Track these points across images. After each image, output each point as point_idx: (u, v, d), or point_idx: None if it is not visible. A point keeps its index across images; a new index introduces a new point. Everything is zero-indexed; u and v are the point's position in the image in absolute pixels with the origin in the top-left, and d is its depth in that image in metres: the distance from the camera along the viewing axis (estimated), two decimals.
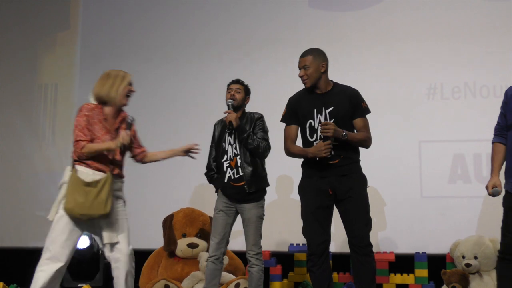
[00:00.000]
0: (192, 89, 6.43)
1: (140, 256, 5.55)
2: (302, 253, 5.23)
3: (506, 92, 3.71)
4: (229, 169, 4.36)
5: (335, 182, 3.93)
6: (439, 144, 5.70)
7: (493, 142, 3.77)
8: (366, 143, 4.05)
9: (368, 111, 4.11)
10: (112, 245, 3.95)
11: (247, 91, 4.48)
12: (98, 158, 3.95)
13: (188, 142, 4.39)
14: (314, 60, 4.00)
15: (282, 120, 4.20)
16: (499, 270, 3.63)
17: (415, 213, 5.71)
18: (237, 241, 5.81)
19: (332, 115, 3.97)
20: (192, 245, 5.50)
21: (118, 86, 4.06)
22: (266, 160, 4.51)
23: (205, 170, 4.57)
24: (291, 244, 5.59)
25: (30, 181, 6.65)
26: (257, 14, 6.43)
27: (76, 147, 3.91)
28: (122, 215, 4.03)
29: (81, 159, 3.93)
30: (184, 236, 5.55)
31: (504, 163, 3.68)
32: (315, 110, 4.01)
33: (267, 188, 4.52)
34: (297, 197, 4.24)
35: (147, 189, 6.28)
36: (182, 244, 5.51)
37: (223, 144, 4.44)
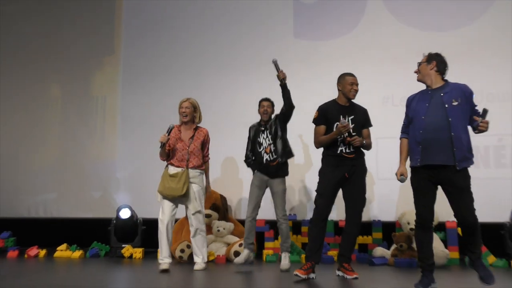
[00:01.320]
0: (210, 99, 6.25)
1: None
2: (290, 221, 5.14)
3: (407, 99, 3.68)
4: (265, 154, 4.55)
5: (350, 170, 3.99)
6: (391, 140, 5.52)
7: (400, 138, 3.72)
8: (369, 148, 4.19)
9: (371, 125, 4.22)
10: (191, 214, 4.51)
11: (273, 105, 4.73)
12: (175, 158, 4.55)
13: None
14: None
15: (314, 122, 4.18)
16: (417, 236, 3.52)
17: (373, 191, 5.67)
18: (241, 212, 5.96)
19: (353, 121, 4.06)
20: (206, 215, 5.39)
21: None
22: None
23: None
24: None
25: (86, 167, 6.62)
26: (253, 41, 6.34)
27: None
28: (197, 194, 4.53)
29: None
30: None
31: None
32: (341, 116, 4.03)
33: None
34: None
35: None
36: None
37: (259, 139, 4.64)
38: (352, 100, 4.13)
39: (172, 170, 4.51)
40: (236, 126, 5.93)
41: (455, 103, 3.35)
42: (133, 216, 5.70)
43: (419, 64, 3.60)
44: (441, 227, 5.10)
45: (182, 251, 5.07)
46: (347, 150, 3.98)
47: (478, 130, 3.32)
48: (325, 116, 4.06)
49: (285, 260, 4.47)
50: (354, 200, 4.00)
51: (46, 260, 5.42)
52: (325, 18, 6.10)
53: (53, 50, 6.90)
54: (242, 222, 5.54)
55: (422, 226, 3.46)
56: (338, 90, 4.10)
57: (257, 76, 6.09)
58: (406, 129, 3.66)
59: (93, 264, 5.08)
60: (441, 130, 3.33)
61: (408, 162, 3.57)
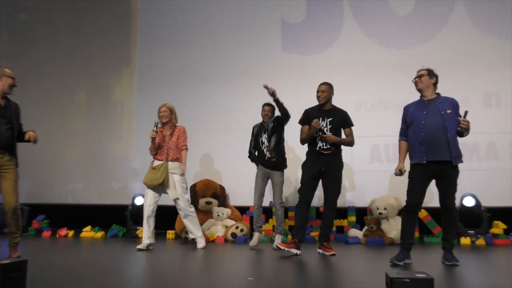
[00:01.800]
0: (213, 108, 6.36)
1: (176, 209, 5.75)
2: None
3: (404, 108, 3.77)
4: (267, 152, 4.60)
5: (326, 164, 4.10)
6: (364, 138, 5.64)
7: (399, 140, 3.80)
8: (351, 144, 4.26)
9: (353, 125, 4.26)
10: (175, 200, 4.52)
11: (274, 109, 4.69)
12: (158, 153, 4.57)
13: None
14: (328, 89, 4.20)
15: (299, 122, 4.28)
16: (403, 218, 3.65)
17: (349, 181, 5.74)
18: (237, 199, 5.96)
19: (331, 123, 4.14)
20: (208, 202, 5.56)
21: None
22: None
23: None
24: (271, 202, 5.50)
25: (107, 162, 6.65)
26: (245, 54, 6.32)
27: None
28: (177, 183, 4.54)
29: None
30: (203, 197, 5.60)
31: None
32: (320, 118, 4.13)
33: None
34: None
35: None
36: (202, 202, 5.56)
37: (261, 138, 4.68)
38: (334, 105, 4.23)
39: (155, 163, 4.60)
40: (234, 127, 6.05)
41: (448, 111, 3.50)
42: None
43: (421, 75, 3.62)
44: None
45: (187, 232, 5.09)
46: (324, 147, 4.10)
47: (460, 127, 3.43)
48: (308, 117, 4.17)
49: (278, 240, 4.51)
50: (331, 190, 4.11)
51: (74, 239, 5.50)
52: (308, 35, 6.12)
53: (79, 63, 6.87)
54: (238, 208, 5.71)
55: (410, 211, 3.58)
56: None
57: (247, 85, 6.11)
58: (404, 133, 3.74)
59: (112, 243, 5.16)
60: (439, 132, 3.45)
61: (407, 160, 3.67)
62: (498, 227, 5.08)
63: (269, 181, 4.67)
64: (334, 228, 5.42)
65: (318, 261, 3.82)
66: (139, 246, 4.47)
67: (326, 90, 4.18)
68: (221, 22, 6.48)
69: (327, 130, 4.12)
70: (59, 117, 6.85)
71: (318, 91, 4.20)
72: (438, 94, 3.66)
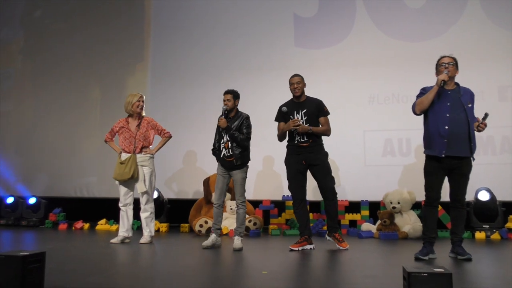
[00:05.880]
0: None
1: (191, 203, 5.76)
2: (290, 201, 5.19)
3: (423, 88, 3.61)
4: (224, 149, 4.23)
5: (307, 157, 4.02)
6: (377, 132, 5.69)
7: (418, 97, 3.59)
8: (326, 133, 4.13)
9: (328, 113, 4.15)
10: (142, 194, 4.44)
11: (235, 96, 4.28)
12: (124, 145, 4.47)
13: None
14: (302, 80, 4.12)
15: (275, 120, 4.23)
16: (424, 213, 3.61)
17: (361, 175, 5.68)
18: (249, 192, 5.87)
19: (305, 114, 4.06)
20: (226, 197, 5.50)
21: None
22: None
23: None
24: (283, 195, 5.61)
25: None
26: (259, 50, 6.28)
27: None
28: (146, 176, 4.45)
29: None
30: None
31: (423, 135, 3.61)
32: (295, 111, 4.08)
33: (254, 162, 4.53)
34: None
35: (194, 163, 6.35)
36: (214, 196, 5.58)
37: (222, 132, 4.28)
38: (307, 95, 4.14)
39: (123, 156, 4.48)
40: (253, 122, 6.06)
41: (469, 105, 3.43)
42: (159, 197, 5.77)
43: (450, 64, 3.46)
44: (418, 205, 5.17)
45: (201, 226, 5.18)
46: (302, 140, 4.02)
47: (477, 129, 3.42)
48: (282, 114, 4.11)
49: (237, 241, 4.12)
50: (322, 180, 4.02)
51: (89, 232, 5.56)
52: (321, 29, 6.04)
53: (94, 60, 6.84)
54: (251, 201, 5.67)
55: (430, 204, 3.53)
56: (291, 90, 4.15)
57: (262, 80, 6.10)
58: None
59: None
60: (463, 127, 3.38)
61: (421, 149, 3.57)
62: None
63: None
64: (346, 222, 5.45)
65: (332, 255, 3.79)
66: (113, 240, 4.41)
67: (300, 82, 4.10)
68: (234, 19, 6.43)
69: (303, 122, 4.03)
70: (75, 113, 6.85)
71: (292, 84, 4.10)
72: (457, 84, 3.56)
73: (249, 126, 4.26)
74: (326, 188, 4.03)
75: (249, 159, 4.32)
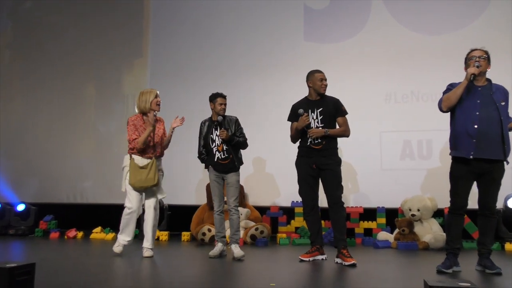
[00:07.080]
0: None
1: (192, 209, 5.72)
2: (300, 207, 5.22)
3: (450, 84, 3.52)
4: (217, 152, 4.20)
5: (317, 161, 3.94)
6: (393, 133, 5.65)
7: (444, 93, 3.51)
8: (345, 134, 4.03)
9: (346, 113, 4.05)
10: (155, 200, 4.33)
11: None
12: (144, 149, 4.25)
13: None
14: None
15: (288, 119, 4.14)
16: (448, 221, 3.53)
17: (378, 180, 5.64)
18: (255, 199, 5.92)
19: (321, 113, 3.97)
20: (225, 202, 5.55)
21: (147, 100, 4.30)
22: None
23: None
24: (293, 201, 5.58)
25: (117, 159, 6.47)
26: (267, 45, 6.28)
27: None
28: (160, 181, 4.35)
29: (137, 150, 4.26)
30: None
31: (449, 135, 3.52)
32: (310, 110, 4.00)
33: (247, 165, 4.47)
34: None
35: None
36: (214, 204, 5.53)
37: (211, 136, 4.24)
38: (324, 94, 4.03)
39: (143, 161, 4.30)
40: (251, 121, 5.96)
41: (503, 103, 3.34)
42: (160, 203, 5.75)
43: (481, 58, 3.36)
44: (440, 213, 5.14)
45: (203, 234, 5.17)
46: (315, 142, 3.93)
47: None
48: (296, 112, 4.02)
49: (236, 249, 4.09)
50: (330, 188, 3.90)
51: (83, 241, 5.53)
52: (333, 22, 6.02)
53: (90, 56, 6.88)
54: (257, 208, 5.68)
55: (455, 212, 3.44)
56: (309, 87, 4.04)
57: (273, 78, 6.09)
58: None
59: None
60: (495, 127, 3.28)
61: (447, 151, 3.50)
62: None
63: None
64: (361, 231, 5.40)
65: (345, 266, 3.71)
66: (116, 250, 4.30)
67: (326, 79, 4.04)
68: (241, 14, 6.43)
69: (318, 122, 3.96)
70: (68, 112, 6.88)
71: (321, 79, 3.99)
72: (489, 80, 3.47)
73: (242, 128, 4.33)
74: (333, 192, 3.91)
75: (242, 163, 4.34)
